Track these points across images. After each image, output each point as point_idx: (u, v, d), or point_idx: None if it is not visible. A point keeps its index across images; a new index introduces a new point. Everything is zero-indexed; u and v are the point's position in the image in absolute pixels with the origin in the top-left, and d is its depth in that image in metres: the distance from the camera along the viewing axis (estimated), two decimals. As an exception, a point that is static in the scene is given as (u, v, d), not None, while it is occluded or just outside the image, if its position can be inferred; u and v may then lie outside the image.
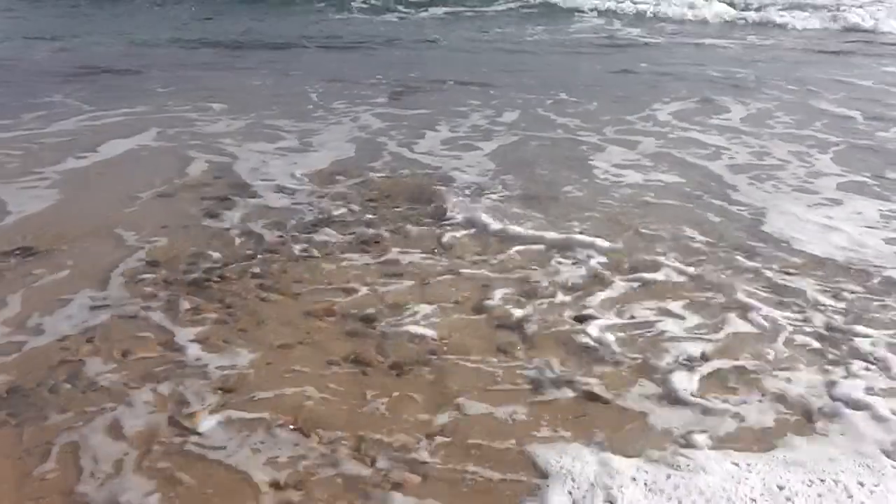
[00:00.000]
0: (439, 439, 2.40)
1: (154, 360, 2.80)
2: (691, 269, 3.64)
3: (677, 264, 3.70)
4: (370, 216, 4.32)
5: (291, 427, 2.44)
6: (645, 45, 11.51)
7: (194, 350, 2.88)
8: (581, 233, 4.06)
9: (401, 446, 2.36)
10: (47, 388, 2.60)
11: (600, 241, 3.92)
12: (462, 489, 2.20)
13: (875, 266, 3.71)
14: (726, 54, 10.75)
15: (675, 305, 3.31)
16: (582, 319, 3.16)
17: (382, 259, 3.76)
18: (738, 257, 3.81)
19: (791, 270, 3.67)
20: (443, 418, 2.50)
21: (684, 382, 2.71)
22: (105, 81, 8.13)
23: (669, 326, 3.13)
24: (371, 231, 4.09)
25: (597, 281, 3.54)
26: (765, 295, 3.41)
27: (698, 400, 2.61)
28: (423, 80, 8.33)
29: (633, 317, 3.20)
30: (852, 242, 4.01)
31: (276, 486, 2.20)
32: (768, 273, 3.62)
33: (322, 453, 2.33)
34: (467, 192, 4.72)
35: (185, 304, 3.23)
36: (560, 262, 3.74)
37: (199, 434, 2.40)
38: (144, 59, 9.41)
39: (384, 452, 2.33)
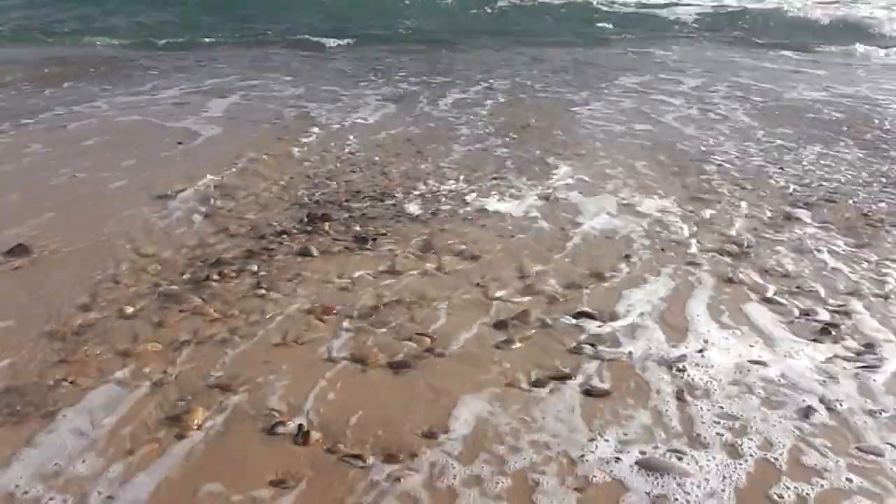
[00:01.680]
0: (439, 436, 2.41)
1: (153, 359, 2.81)
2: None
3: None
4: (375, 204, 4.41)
5: (290, 424, 2.44)
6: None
7: (193, 348, 2.89)
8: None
9: (399, 443, 2.37)
10: (46, 387, 2.60)
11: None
12: (459, 486, 2.21)
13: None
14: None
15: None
16: (577, 316, 3.18)
17: (380, 256, 3.78)
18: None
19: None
20: (440, 416, 2.51)
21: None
22: (183, 61, 10.24)
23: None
24: (371, 229, 4.12)
25: (594, 274, 3.59)
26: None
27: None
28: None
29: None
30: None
31: (274, 483, 2.21)
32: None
33: (321, 450, 2.34)
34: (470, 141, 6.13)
35: (184, 302, 3.23)
36: (554, 244, 3.84)
37: (197, 431, 2.41)
38: (205, 46, 11.85)
39: (383, 450, 2.34)
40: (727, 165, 5.54)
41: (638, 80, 9.08)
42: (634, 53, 11.61)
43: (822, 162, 5.67)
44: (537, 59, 10.67)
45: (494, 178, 5.11)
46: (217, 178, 4.98)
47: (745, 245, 4.02)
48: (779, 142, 6.26)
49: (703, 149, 6.00)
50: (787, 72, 9.97)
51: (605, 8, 15.99)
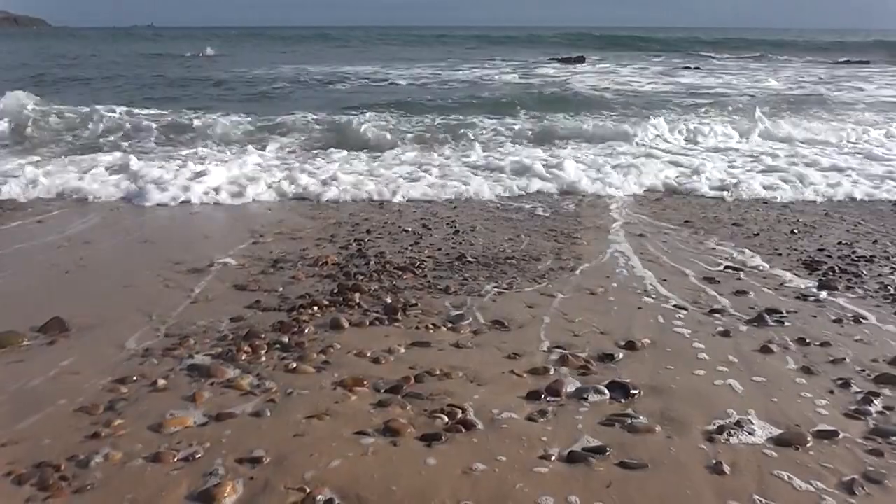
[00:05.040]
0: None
1: (184, 432, 2.80)
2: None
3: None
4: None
5: (319, 497, 2.40)
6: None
7: (223, 422, 2.88)
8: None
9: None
10: (76, 463, 2.59)
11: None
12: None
13: None
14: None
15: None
16: (611, 387, 3.13)
17: (409, 328, 3.78)
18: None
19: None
20: (472, 491, 2.45)
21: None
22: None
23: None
24: (401, 299, 4.14)
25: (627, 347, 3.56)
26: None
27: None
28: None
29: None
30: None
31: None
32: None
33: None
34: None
35: (215, 375, 3.24)
36: (587, 313, 3.77)
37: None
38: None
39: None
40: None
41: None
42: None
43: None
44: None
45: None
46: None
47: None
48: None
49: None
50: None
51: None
